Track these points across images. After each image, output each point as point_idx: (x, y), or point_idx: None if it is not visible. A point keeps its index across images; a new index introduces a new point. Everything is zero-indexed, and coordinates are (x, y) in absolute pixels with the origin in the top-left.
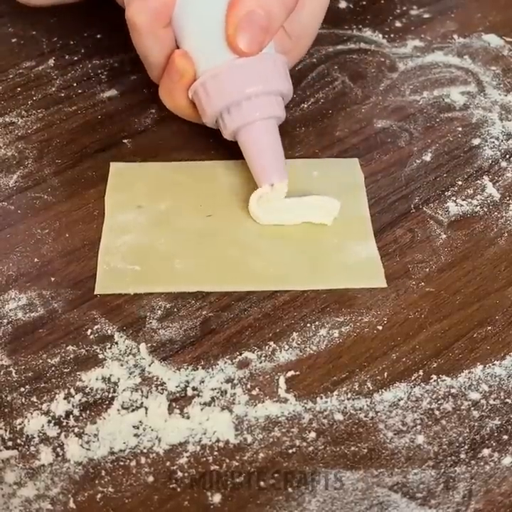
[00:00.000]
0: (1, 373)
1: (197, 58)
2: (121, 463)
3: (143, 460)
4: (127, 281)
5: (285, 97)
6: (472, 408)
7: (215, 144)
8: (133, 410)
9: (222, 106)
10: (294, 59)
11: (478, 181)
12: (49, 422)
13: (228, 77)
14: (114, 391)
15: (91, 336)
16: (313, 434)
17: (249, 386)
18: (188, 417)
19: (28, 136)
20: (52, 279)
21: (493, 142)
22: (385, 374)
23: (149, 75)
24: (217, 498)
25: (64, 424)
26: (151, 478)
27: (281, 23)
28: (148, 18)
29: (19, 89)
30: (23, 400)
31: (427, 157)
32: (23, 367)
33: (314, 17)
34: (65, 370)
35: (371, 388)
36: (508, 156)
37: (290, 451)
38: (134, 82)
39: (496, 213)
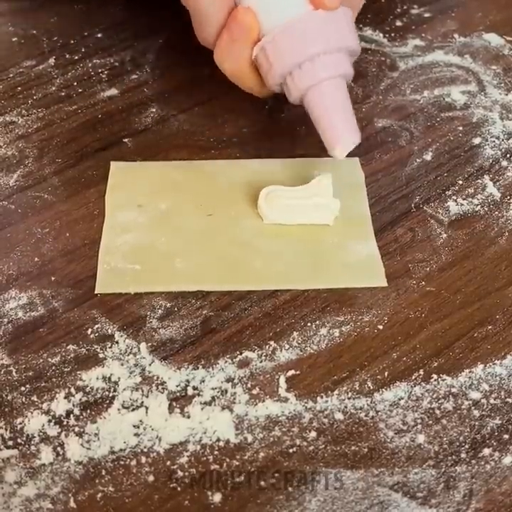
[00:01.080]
0: (2, 372)
1: (260, 14)
2: (122, 462)
3: (143, 459)
4: (128, 280)
5: (354, 54)
6: (473, 407)
7: (215, 144)
8: (133, 409)
9: (295, 63)
10: (356, 9)
11: (478, 180)
12: (49, 421)
13: (301, 32)
14: (115, 390)
15: (91, 336)
16: (313, 434)
17: (249, 385)
18: (188, 417)
19: (28, 136)
20: (53, 278)
21: (494, 141)
22: (386, 373)
23: (201, 36)
24: (217, 497)
25: (64, 423)
26: (151, 478)
27: None
28: None
29: (19, 88)
30: (24, 399)
31: (428, 156)
32: (23, 366)
33: None
34: (66, 370)
35: (372, 387)
36: (508, 156)
37: (290, 450)
38: (134, 81)
39: (496, 212)
